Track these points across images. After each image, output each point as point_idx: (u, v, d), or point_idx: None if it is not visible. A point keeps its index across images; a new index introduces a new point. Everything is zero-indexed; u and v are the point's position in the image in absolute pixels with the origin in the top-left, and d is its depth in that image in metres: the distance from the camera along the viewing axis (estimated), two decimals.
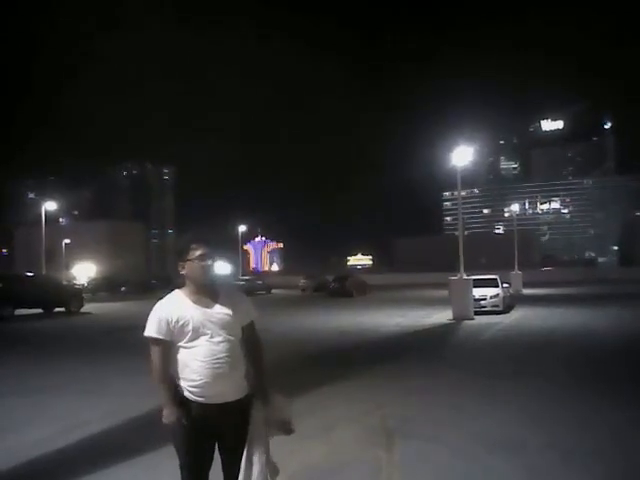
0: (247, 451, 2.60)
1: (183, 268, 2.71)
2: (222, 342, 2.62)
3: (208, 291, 2.70)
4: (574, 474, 4.09)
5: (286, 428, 2.75)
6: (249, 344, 2.79)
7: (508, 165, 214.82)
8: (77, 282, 49.96)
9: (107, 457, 4.57)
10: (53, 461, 4.62)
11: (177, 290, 2.76)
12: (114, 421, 5.69)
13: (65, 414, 6.19)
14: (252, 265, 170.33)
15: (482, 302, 17.81)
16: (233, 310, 2.69)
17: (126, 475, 4.24)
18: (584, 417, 5.61)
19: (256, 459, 2.60)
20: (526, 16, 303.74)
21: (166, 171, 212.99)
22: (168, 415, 2.63)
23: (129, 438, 5.21)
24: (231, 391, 2.64)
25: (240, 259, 57.27)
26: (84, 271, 70.21)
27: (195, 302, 2.66)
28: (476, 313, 16.91)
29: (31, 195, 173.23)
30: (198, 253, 2.67)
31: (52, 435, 5.29)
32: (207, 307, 2.66)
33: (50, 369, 9.37)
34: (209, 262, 2.68)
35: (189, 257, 2.68)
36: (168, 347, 2.65)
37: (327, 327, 15.67)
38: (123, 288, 46.75)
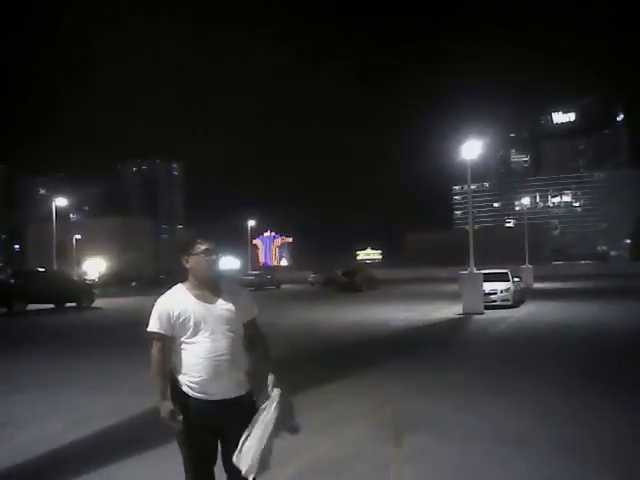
0: (243, 439, 2.54)
1: (187, 262, 2.70)
2: (223, 338, 2.60)
3: (211, 286, 2.68)
4: (585, 472, 4.02)
5: (292, 427, 2.69)
6: (254, 341, 2.76)
7: (519, 158, 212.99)
8: (88, 277, 50.39)
9: (113, 453, 4.56)
10: (59, 457, 4.62)
11: (179, 285, 2.74)
12: (121, 417, 5.69)
13: (72, 409, 6.21)
14: (261, 260, 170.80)
15: (492, 296, 17.69)
16: (235, 306, 2.67)
17: (132, 471, 4.23)
18: (595, 414, 5.53)
19: (251, 448, 2.52)
20: (537, 10, 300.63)
21: (175, 167, 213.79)
22: (162, 411, 2.59)
23: (135, 434, 5.20)
24: (231, 388, 2.62)
25: (249, 254, 57.34)
26: (95, 266, 70.79)
27: (197, 297, 2.65)
28: (486, 307, 16.79)
29: (42, 191, 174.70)
30: (204, 247, 2.67)
31: (58, 431, 5.30)
32: (209, 302, 2.64)
33: (59, 364, 9.41)
34: (214, 257, 2.68)
35: (195, 251, 2.67)
36: (169, 342, 2.63)
37: (336, 322, 15.64)
38: (133, 283, 47.03)
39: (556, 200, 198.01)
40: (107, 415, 5.77)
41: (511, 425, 5.12)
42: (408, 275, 53.72)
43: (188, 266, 2.69)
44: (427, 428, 5.08)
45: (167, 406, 2.56)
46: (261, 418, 2.54)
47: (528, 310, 17.36)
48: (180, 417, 2.56)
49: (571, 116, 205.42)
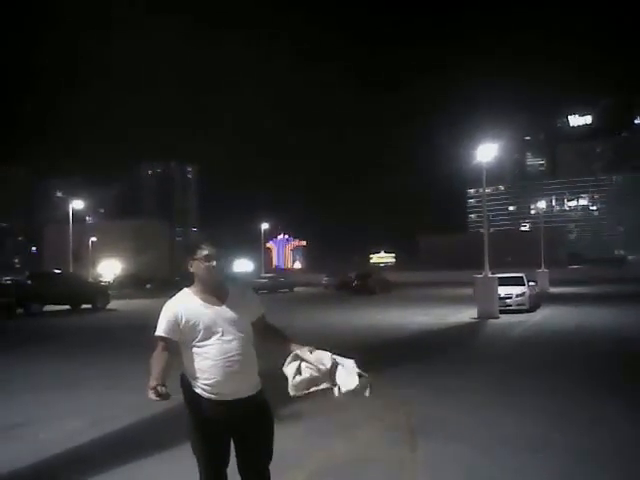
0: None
1: (191, 266, 2.71)
2: (233, 340, 2.62)
3: (216, 290, 2.69)
4: (600, 476, 3.98)
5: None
6: (267, 330, 2.84)
7: (534, 161, 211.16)
8: (103, 279, 50.90)
9: (131, 452, 4.59)
10: (77, 456, 4.66)
11: (186, 289, 2.75)
12: (138, 417, 5.72)
13: (89, 409, 6.26)
14: (275, 263, 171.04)
15: (507, 301, 17.52)
16: (242, 307, 2.70)
17: (149, 470, 4.25)
18: (611, 419, 5.45)
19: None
20: (553, 10, 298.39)
21: (190, 170, 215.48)
22: (149, 386, 2.45)
23: (153, 434, 5.24)
24: (243, 388, 2.64)
25: (262, 257, 57.50)
26: (110, 268, 71.47)
27: (204, 301, 2.66)
28: (501, 312, 16.64)
29: (59, 194, 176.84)
30: (204, 253, 2.66)
31: (76, 430, 5.35)
32: (216, 305, 2.65)
33: (76, 365, 9.51)
34: (214, 263, 2.66)
35: (196, 256, 2.67)
36: (173, 346, 2.65)
37: (348, 325, 15.60)
38: (148, 285, 47.30)
39: (572, 204, 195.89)
40: (124, 415, 5.81)
41: (526, 430, 5.06)
42: (422, 278, 53.44)
43: (191, 270, 2.71)
44: (441, 432, 5.04)
45: (152, 382, 2.45)
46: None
47: (544, 315, 17.17)
48: (164, 390, 2.43)
49: (588, 119, 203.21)
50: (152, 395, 2.45)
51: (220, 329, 2.60)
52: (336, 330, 14.35)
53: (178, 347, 2.66)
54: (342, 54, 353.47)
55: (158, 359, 2.62)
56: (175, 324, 2.61)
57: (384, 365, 8.71)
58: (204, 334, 2.59)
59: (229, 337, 2.60)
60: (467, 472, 4.09)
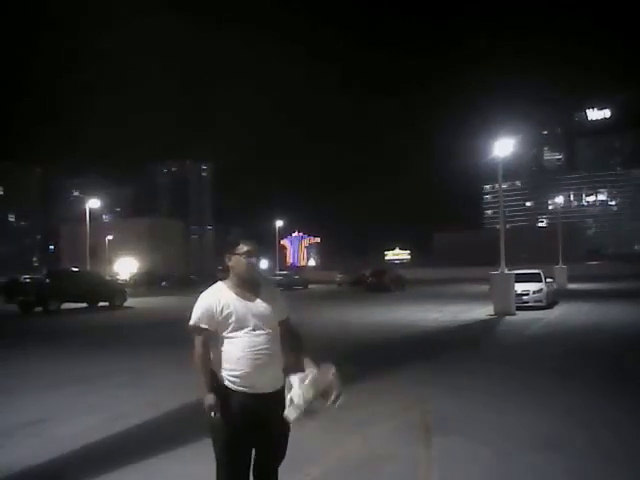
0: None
1: (230, 260, 2.81)
2: (262, 334, 2.71)
3: (250, 285, 2.80)
4: (616, 476, 3.92)
5: (333, 394, 2.68)
6: (291, 336, 2.88)
7: (552, 156, 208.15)
8: (120, 277, 51.40)
9: (143, 450, 4.60)
10: (91, 452, 4.68)
11: (220, 282, 2.85)
12: (154, 414, 5.76)
13: (105, 406, 6.31)
14: (289, 260, 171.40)
15: (524, 297, 17.37)
16: (272, 304, 2.80)
17: (164, 467, 4.25)
18: (626, 418, 5.37)
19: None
20: (571, 4, 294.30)
21: (204, 168, 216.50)
22: (206, 402, 2.63)
23: (169, 431, 5.26)
24: (270, 382, 2.71)
25: (277, 254, 57.62)
26: (126, 266, 72.21)
27: (238, 295, 2.76)
28: (518, 309, 16.49)
29: (76, 193, 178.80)
30: (246, 249, 2.79)
31: (91, 427, 5.38)
32: (249, 300, 2.76)
33: (92, 361, 9.60)
34: (254, 259, 2.80)
35: (237, 251, 2.79)
36: (211, 337, 2.72)
37: (363, 322, 15.55)
38: (164, 283, 47.64)
39: (591, 199, 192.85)
40: (138, 412, 5.84)
41: (542, 428, 5.01)
42: (437, 275, 53.17)
43: (230, 264, 2.81)
44: (457, 430, 4.99)
45: (210, 398, 2.62)
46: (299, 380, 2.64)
47: (561, 311, 16.97)
48: (217, 414, 2.62)
49: (606, 112, 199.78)
50: (209, 412, 2.61)
51: (251, 323, 2.70)
52: (353, 327, 14.32)
53: (213, 338, 2.72)
54: (360, 50, 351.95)
55: (204, 360, 2.70)
56: (211, 314, 2.70)
57: (398, 363, 8.67)
58: (235, 326, 2.68)
59: (258, 332, 2.70)
60: (481, 470, 4.06)
